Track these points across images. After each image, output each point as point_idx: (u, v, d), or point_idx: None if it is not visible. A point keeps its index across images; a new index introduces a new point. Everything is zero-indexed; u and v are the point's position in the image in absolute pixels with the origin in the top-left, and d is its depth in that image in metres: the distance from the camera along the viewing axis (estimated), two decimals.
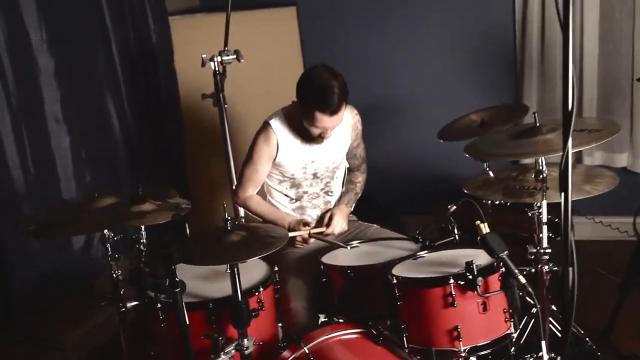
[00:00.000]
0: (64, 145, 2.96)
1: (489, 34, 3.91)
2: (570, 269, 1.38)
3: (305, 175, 2.71)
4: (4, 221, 2.61)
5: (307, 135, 2.59)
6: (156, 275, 1.86)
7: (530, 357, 2.33)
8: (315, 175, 2.73)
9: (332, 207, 2.81)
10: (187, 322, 1.81)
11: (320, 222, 2.75)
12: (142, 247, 1.93)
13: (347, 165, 2.89)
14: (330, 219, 2.69)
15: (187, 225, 1.73)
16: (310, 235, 2.59)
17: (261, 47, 3.87)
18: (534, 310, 2.30)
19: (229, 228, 2.04)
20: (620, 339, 2.83)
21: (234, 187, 2.57)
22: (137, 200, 1.96)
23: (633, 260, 2.73)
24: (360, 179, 2.89)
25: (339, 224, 2.68)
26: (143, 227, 1.92)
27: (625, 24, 3.58)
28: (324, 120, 2.46)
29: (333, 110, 2.43)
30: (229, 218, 2.03)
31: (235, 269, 1.99)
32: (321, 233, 2.64)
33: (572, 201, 3.27)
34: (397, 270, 2.15)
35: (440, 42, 4.03)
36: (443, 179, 3.94)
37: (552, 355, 2.28)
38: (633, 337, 2.85)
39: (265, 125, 2.66)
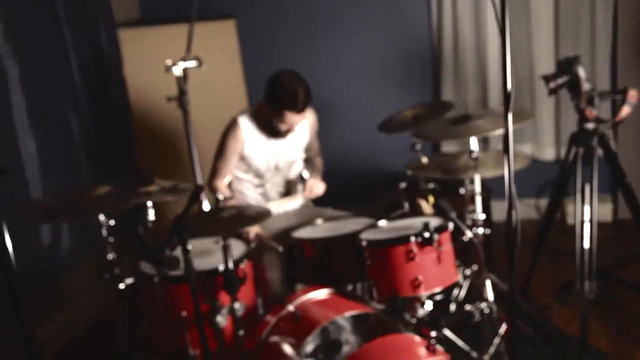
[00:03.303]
0: (31, 149, 3.08)
1: (408, 40, 4.29)
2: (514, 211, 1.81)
3: (268, 167, 3.02)
4: None
5: (273, 130, 2.92)
6: (162, 249, 2.11)
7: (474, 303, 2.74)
8: (276, 168, 3.05)
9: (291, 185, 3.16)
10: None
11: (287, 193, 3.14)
12: (148, 224, 2.15)
13: (303, 159, 3.22)
14: (310, 188, 3.05)
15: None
16: (255, 235, 2.87)
17: (202, 58, 4.13)
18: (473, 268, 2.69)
19: (220, 207, 2.34)
20: (535, 294, 3.32)
21: (207, 177, 2.90)
22: (146, 182, 2.21)
23: (541, 227, 3.23)
24: (318, 159, 3.26)
25: (318, 186, 3.06)
26: (150, 204, 2.11)
27: (524, 39, 4.11)
28: (292, 117, 2.82)
29: (300, 110, 2.79)
30: (221, 198, 2.34)
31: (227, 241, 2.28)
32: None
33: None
34: (364, 236, 2.51)
35: (364, 49, 4.35)
36: (373, 173, 4.34)
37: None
38: (546, 292, 3.35)
39: (233, 122, 2.95)
